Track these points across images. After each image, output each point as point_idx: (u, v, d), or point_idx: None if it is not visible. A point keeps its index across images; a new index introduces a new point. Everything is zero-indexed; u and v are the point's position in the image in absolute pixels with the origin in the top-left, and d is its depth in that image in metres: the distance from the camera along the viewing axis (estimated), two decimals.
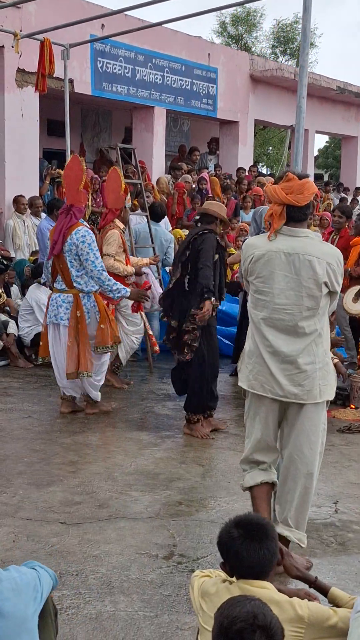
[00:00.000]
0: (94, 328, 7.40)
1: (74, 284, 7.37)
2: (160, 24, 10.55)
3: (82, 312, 7.34)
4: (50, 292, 7.67)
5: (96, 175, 14.19)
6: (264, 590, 2.75)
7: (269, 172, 37.36)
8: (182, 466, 6.17)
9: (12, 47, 9.59)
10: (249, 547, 2.77)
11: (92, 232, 7.44)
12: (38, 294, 9.71)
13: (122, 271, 8.37)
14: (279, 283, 4.28)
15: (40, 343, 7.77)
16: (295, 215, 4.30)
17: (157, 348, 9.07)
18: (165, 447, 6.63)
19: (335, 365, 7.66)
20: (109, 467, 6.05)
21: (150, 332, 8.99)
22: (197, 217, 7.21)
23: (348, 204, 18.51)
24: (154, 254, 10.08)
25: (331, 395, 4.37)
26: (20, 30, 10.54)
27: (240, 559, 2.78)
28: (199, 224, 7.07)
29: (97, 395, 7.64)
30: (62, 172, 12.58)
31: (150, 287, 9.03)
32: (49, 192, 13.27)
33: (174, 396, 8.46)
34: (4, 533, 4.75)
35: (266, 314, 4.34)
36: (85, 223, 7.47)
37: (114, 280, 7.47)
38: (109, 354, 7.80)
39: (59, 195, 13.11)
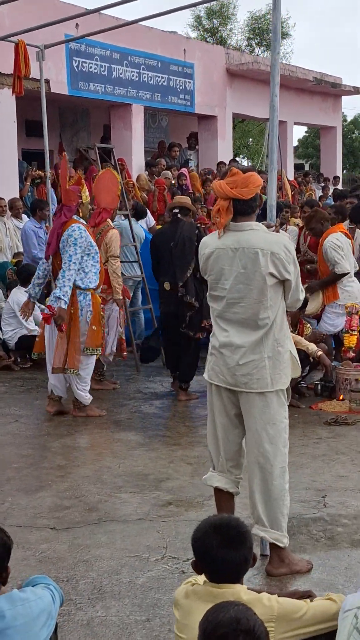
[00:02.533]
0: (85, 327, 7.40)
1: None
2: (135, 22, 10.51)
3: (75, 309, 7.34)
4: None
5: (74, 175, 14.18)
6: (232, 590, 2.78)
7: (249, 164, 37.41)
8: (170, 465, 6.18)
9: None
10: (226, 555, 2.78)
11: (83, 229, 7.38)
12: (20, 296, 9.68)
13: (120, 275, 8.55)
14: (229, 278, 4.36)
15: (37, 339, 7.77)
16: (242, 209, 4.34)
17: (125, 354, 8.98)
18: (154, 447, 6.64)
19: (319, 357, 7.77)
20: (98, 470, 6.05)
21: (123, 336, 8.86)
22: (177, 210, 8.13)
23: (330, 193, 18.63)
24: (136, 252, 10.09)
25: (284, 385, 4.39)
26: None
27: (215, 565, 2.80)
28: (179, 216, 8.06)
29: (87, 398, 7.61)
30: (42, 172, 12.61)
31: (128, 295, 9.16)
32: (29, 194, 13.22)
33: (160, 394, 8.51)
34: None
35: (221, 309, 4.44)
36: (80, 219, 7.51)
37: (68, 289, 7.21)
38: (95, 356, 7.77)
39: (40, 196, 13.11)
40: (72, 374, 7.38)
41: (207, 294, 4.60)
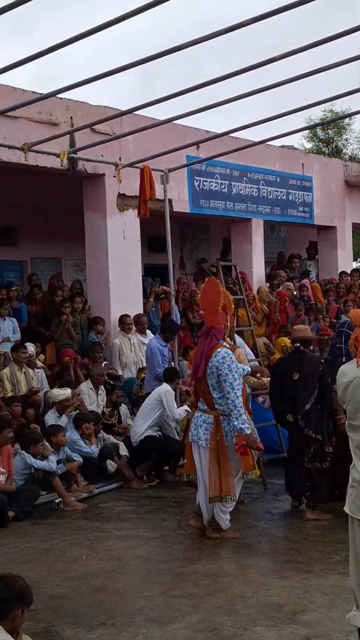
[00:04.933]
0: (234, 452, 7.36)
1: (215, 406, 7.39)
2: (254, 144, 10.81)
3: (221, 435, 7.34)
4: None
5: (195, 289, 14.44)
6: None
7: None
8: (305, 596, 5.94)
9: (114, 176, 9.97)
10: None
11: (232, 354, 7.46)
12: None
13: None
14: None
15: (185, 460, 7.77)
16: None
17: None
18: (286, 574, 6.42)
19: None
20: (230, 600, 5.87)
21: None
22: (298, 344, 8.39)
23: None
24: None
25: None
26: (120, 159, 10.99)
27: None
28: (301, 348, 8.35)
29: (227, 522, 7.50)
30: (166, 288, 12.88)
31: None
32: (153, 309, 13.50)
33: (289, 514, 8.28)
34: None
35: None
36: (225, 344, 7.54)
37: (244, 416, 7.33)
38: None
39: (163, 311, 13.37)
40: (229, 500, 7.34)
41: (347, 423, 4.51)
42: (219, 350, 7.31)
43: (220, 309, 7.49)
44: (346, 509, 4.46)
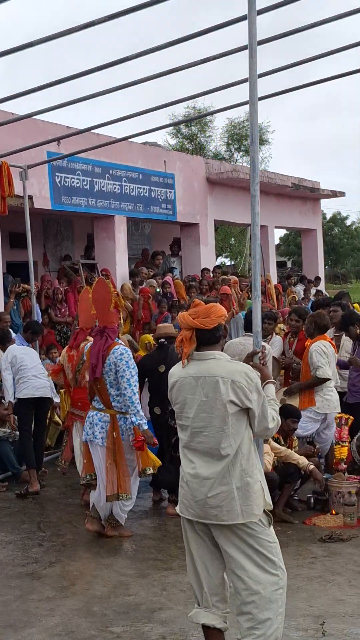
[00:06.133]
0: (129, 450, 7.36)
1: (112, 404, 7.37)
2: (116, 141, 10.81)
3: (117, 433, 7.33)
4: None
5: (58, 286, 14.31)
6: None
7: (232, 264, 37.91)
8: (163, 593, 6.00)
9: None
10: None
11: (129, 351, 7.46)
12: None
13: None
14: (192, 407, 4.42)
15: (84, 460, 7.72)
16: (204, 339, 4.46)
17: None
18: (145, 573, 6.46)
19: (311, 471, 7.70)
20: (88, 601, 5.86)
21: None
22: (163, 340, 8.45)
23: (312, 295, 18.84)
24: None
25: (255, 516, 4.34)
26: None
27: None
28: (165, 343, 8.38)
29: (124, 518, 7.54)
30: (27, 286, 12.69)
31: None
32: (15, 308, 13.26)
33: (150, 511, 8.34)
34: None
35: (187, 439, 4.47)
36: (120, 342, 7.53)
37: (142, 411, 7.40)
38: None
39: (25, 309, 13.15)
40: (125, 499, 7.34)
41: (177, 423, 4.64)
42: (116, 347, 7.34)
43: (113, 308, 7.50)
44: (177, 508, 4.56)
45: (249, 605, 4.28)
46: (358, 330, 9.41)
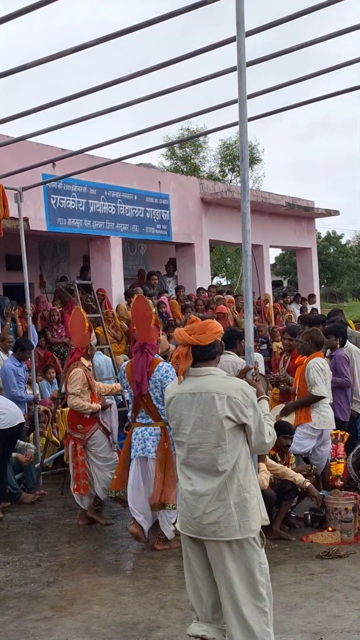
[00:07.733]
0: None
1: (161, 417, 7.46)
2: (111, 162, 10.88)
3: (169, 444, 7.42)
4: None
5: (54, 307, 14.34)
6: None
7: (228, 283, 38.03)
8: (161, 612, 6.00)
9: None
10: None
11: (173, 368, 7.47)
12: None
13: (88, 408, 8.43)
14: (188, 424, 4.45)
15: (115, 477, 7.80)
16: (200, 355, 4.51)
17: None
18: (143, 592, 6.45)
19: (307, 488, 7.71)
20: (86, 621, 5.86)
21: None
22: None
23: (308, 312, 18.89)
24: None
25: (253, 532, 4.37)
26: None
27: None
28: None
29: (171, 533, 7.56)
30: (13, 313, 12.72)
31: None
32: (11, 329, 13.29)
33: (148, 532, 8.32)
34: None
35: (184, 455, 4.50)
36: (161, 358, 7.63)
37: None
38: None
39: (23, 328, 13.16)
40: (171, 509, 7.38)
41: (174, 440, 4.68)
42: (160, 364, 7.46)
43: (153, 325, 7.59)
44: (177, 525, 4.58)
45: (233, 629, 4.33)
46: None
